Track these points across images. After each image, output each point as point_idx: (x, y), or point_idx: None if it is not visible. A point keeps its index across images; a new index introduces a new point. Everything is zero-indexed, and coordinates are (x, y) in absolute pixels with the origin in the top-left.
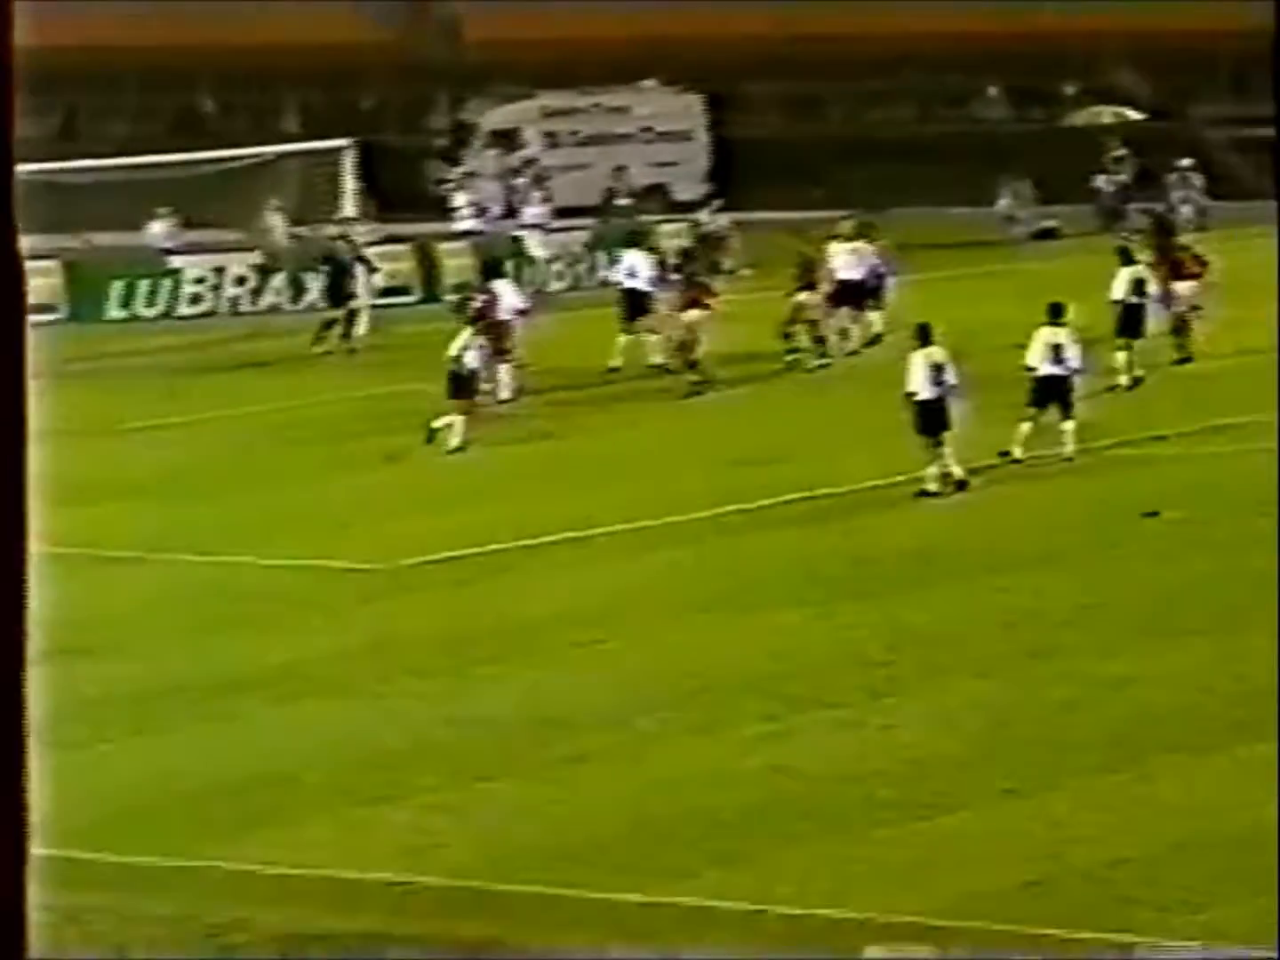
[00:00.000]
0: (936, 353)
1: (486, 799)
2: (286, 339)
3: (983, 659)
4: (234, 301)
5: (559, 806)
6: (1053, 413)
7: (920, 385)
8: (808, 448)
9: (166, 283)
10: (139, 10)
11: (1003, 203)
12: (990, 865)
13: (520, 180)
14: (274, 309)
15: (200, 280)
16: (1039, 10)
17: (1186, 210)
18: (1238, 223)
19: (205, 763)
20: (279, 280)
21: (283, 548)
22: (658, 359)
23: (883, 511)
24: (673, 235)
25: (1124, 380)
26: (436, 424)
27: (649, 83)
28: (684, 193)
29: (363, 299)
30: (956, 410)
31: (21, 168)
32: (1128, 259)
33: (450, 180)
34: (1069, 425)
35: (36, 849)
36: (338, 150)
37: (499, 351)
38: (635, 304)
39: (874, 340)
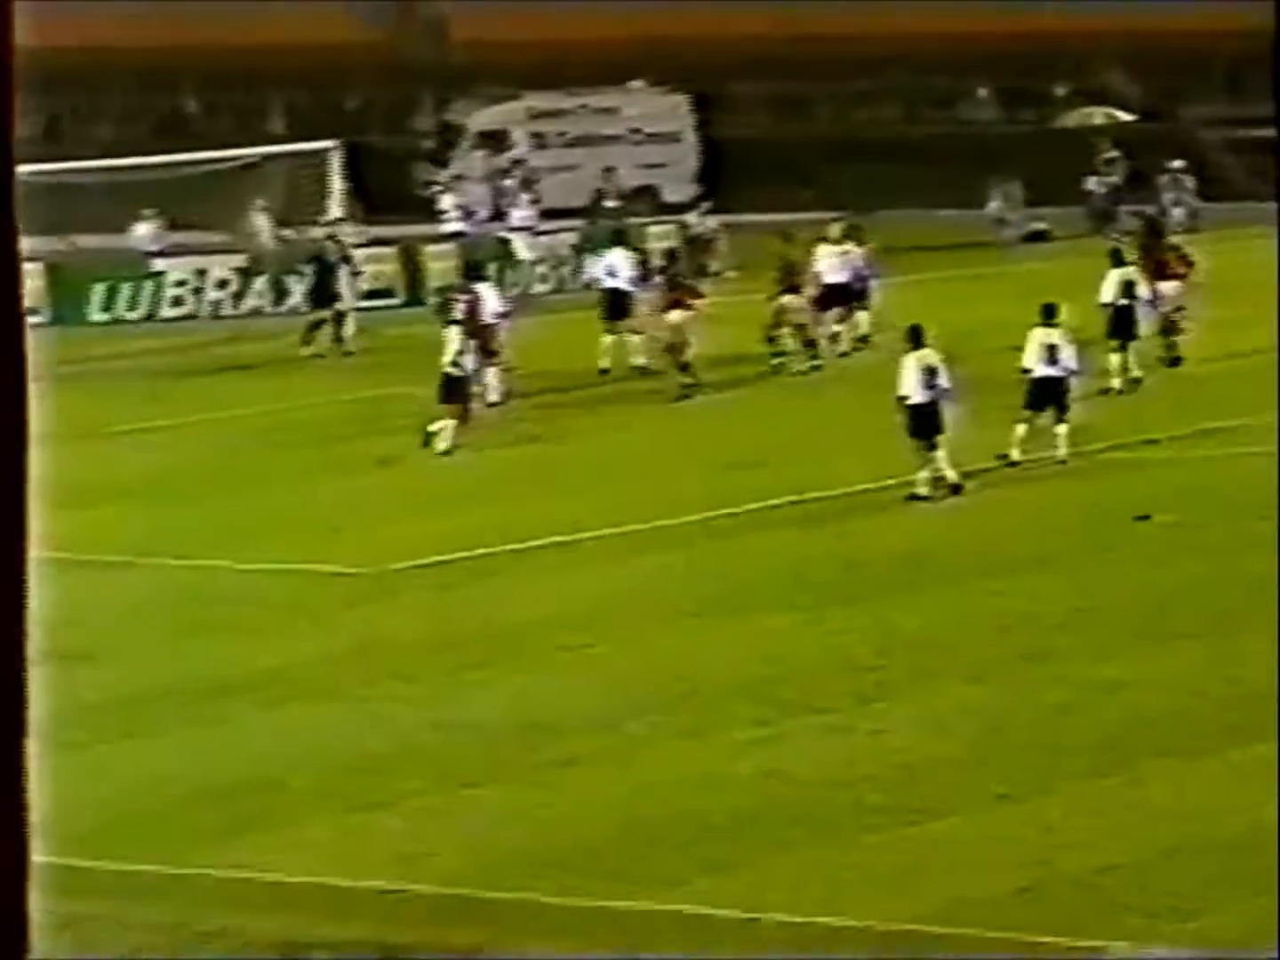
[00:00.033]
0: (929, 356)
1: (474, 805)
2: (270, 342)
3: (974, 663)
4: (215, 305)
5: (547, 812)
6: (1047, 415)
7: (912, 388)
8: (798, 451)
9: (148, 285)
10: (123, 11)
11: (993, 205)
12: (981, 871)
13: (508, 182)
14: (256, 312)
15: (182, 283)
16: (1029, 10)
17: (1178, 212)
18: (1230, 224)
19: (192, 768)
20: (260, 283)
21: (269, 552)
22: (640, 360)
23: (874, 515)
24: (660, 237)
25: (1116, 383)
26: (433, 428)
27: (637, 83)
28: (673, 194)
29: (349, 301)
30: (949, 414)
31: None
32: (1119, 261)
33: (437, 182)
34: (1062, 429)
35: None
36: (323, 152)
37: (486, 354)
38: (616, 303)
39: (861, 341)
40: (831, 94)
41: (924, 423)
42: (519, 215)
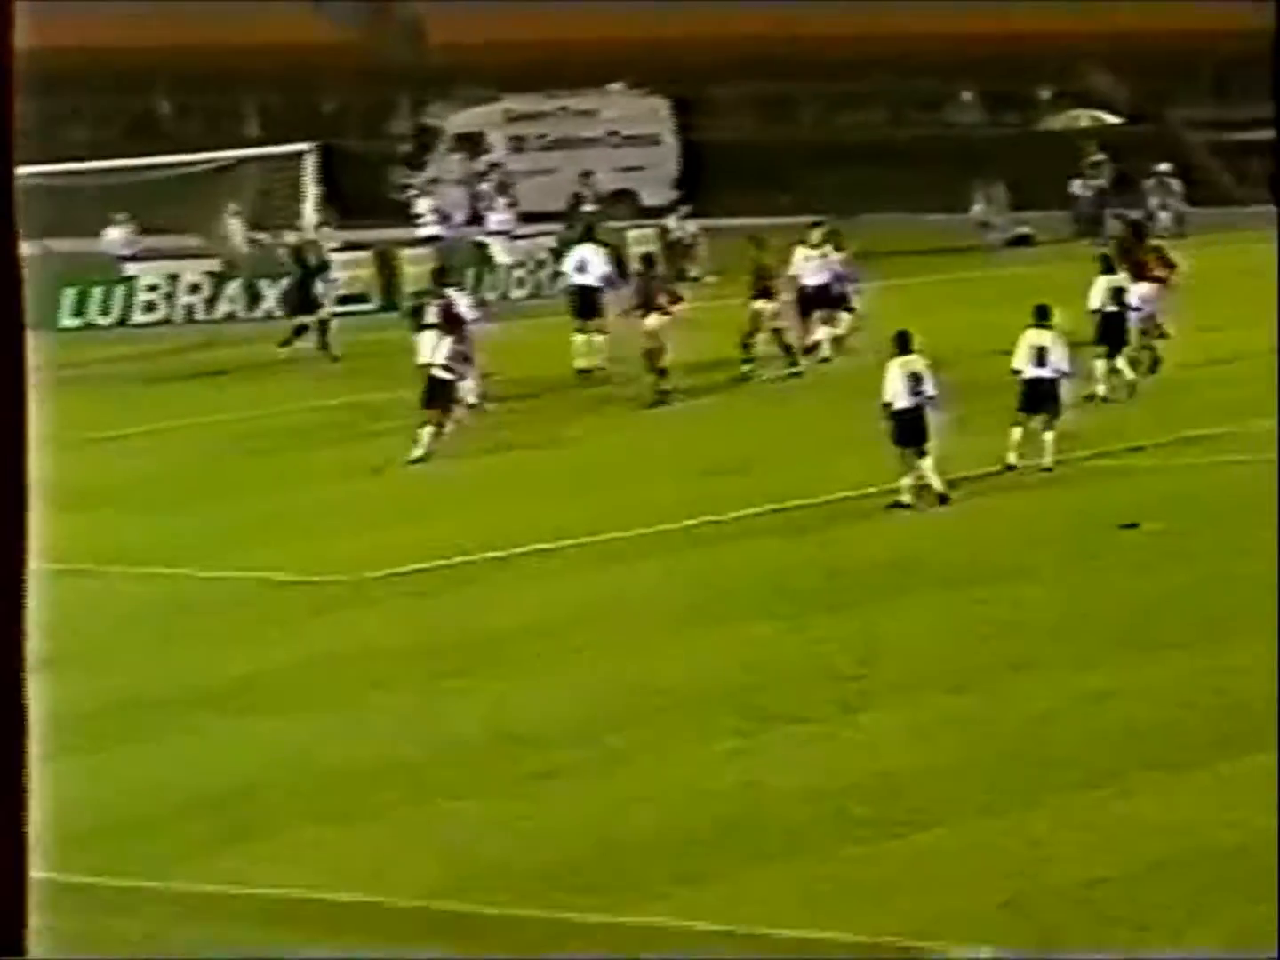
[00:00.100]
0: (915, 362)
1: (452, 817)
2: (243, 347)
3: (959, 673)
4: (189, 310)
5: (526, 824)
6: (1037, 420)
7: (897, 395)
8: (779, 458)
9: (120, 290)
10: (94, 12)
11: (977, 208)
12: (966, 884)
13: (485, 185)
14: (229, 317)
15: (154, 288)
16: (1014, 12)
17: (1165, 216)
18: (1218, 229)
19: (166, 780)
20: (234, 288)
21: (244, 560)
22: (600, 362)
23: (857, 523)
24: (639, 241)
25: (1101, 390)
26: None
27: (616, 86)
28: (652, 198)
29: (329, 305)
30: (934, 421)
31: None
32: (1108, 267)
33: (413, 185)
34: (1049, 436)
35: None
36: (298, 154)
37: (463, 359)
38: (587, 301)
39: (835, 342)
40: (813, 97)
41: (908, 429)
42: (496, 219)
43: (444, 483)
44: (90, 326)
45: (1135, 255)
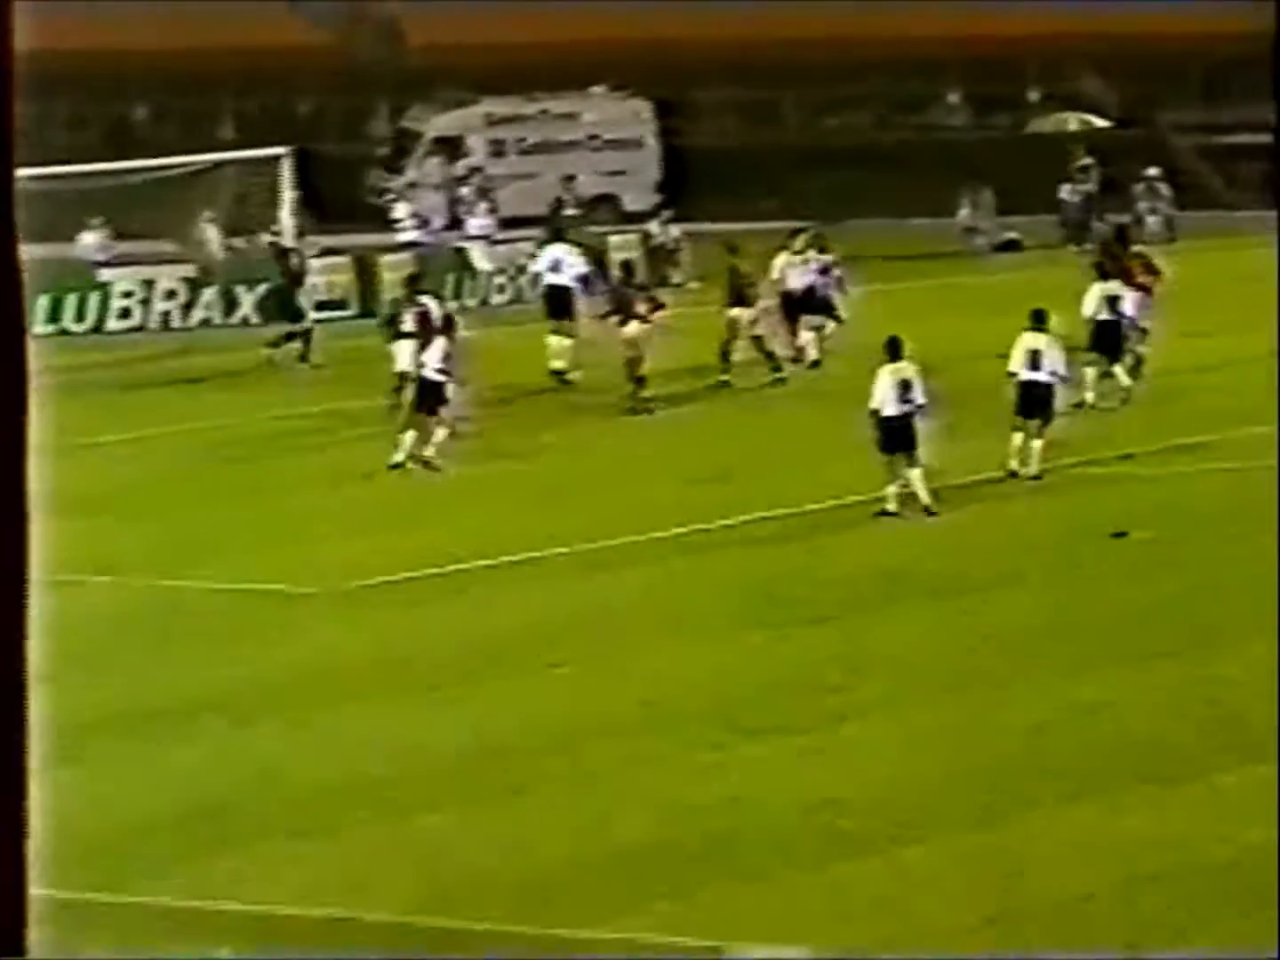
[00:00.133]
0: (906, 369)
1: (432, 830)
2: (220, 354)
3: (947, 684)
4: (164, 316)
5: (507, 837)
6: (1029, 425)
7: (885, 401)
8: (764, 466)
9: (95, 297)
10: (67, 15)
11: (963, 213)
12: (954, 898)
13: (464, 190)
14: (205, 323)
15: (129, 294)
16: (1001, 14)
17: (1154, 221)
18: (1208, 234)
19: (140, 793)
20: (210, 294)
21: (223, 570)
22: (563, 365)
23: (843, 532)
24: (621, 247)
25: (1090, 397)
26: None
27: (598, 89)
28: (634, 203)
29: (309, 313)
30: (922, 429)
31: None
32: (1102, 274)
33: (392, 190)
34: (1037, 444)
35: None
36: (275, 158)
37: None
38: (560, 301)
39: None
40: (798, 100)
41: (895, 437)
42: (476, 224)
43: (425, 491)
44: (64, 333)
45: (1120, 261)
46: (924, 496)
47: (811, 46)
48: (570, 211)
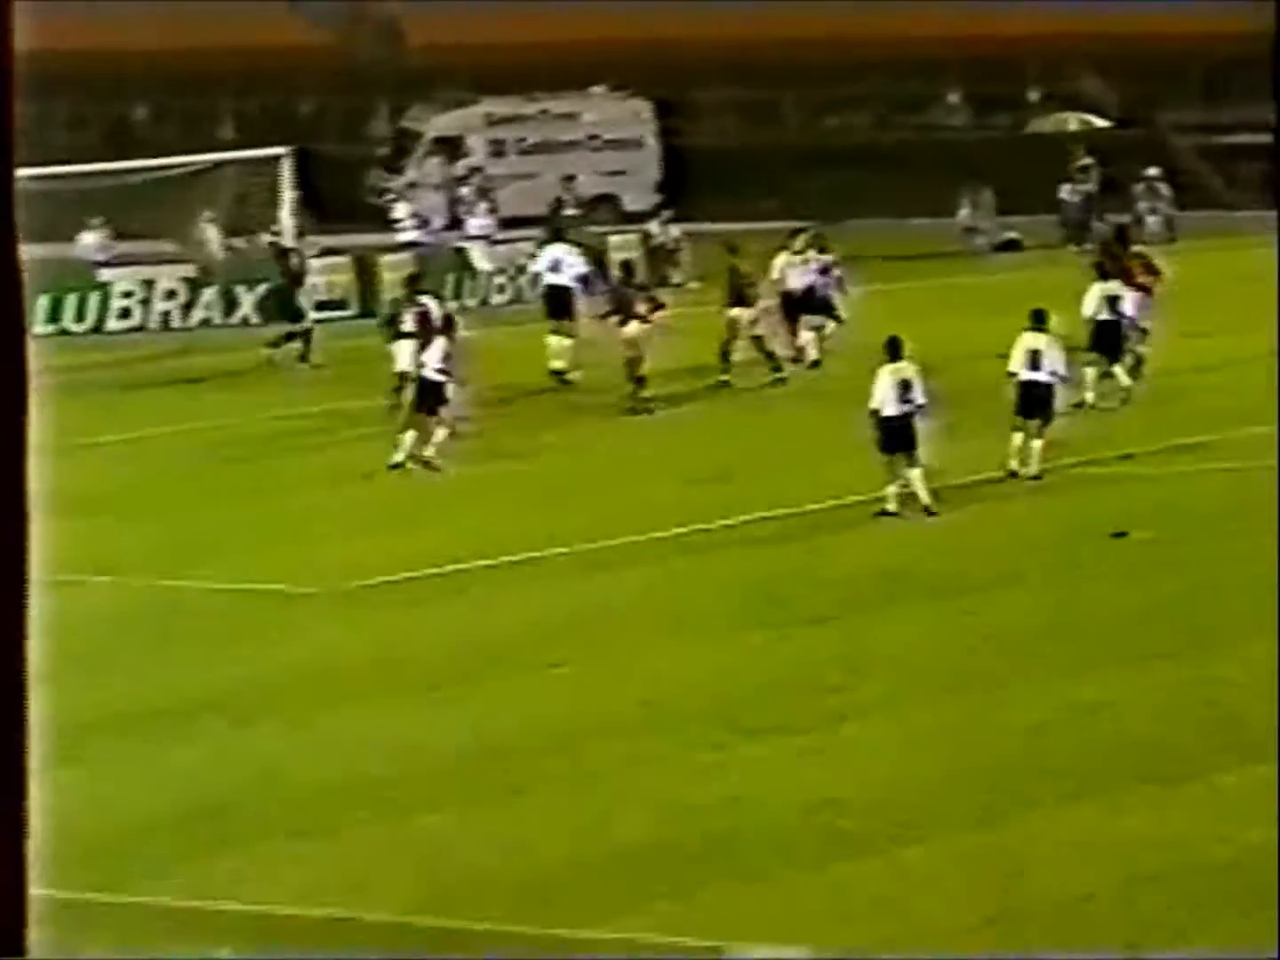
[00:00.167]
0: (906, 369)
1: (432, 830)
2: (220, 354)
3: (947, 684)
4: (164, 316)
5: (507, 837)
6: (1029, 425)
7: (885, 401)
8: (764, 466)
9: (95, 297)
10: (67, 15)
11: (963, 213)
12: (954, 899)
13: (464, 190)
14: (205, 323)
15: (129, 294)
16: (1001, 14)
17: (1154, 221)
18: (1208, 234)
19: (140, 793)
20: (210, 294)
21: (223, 571)
22: (563, 365)
23: (843, 532)
24: (621, 247)
25: (1089, 397)
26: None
27: (598, 89)
28: (634, 203)
29: (310, 313)
30: (922, 429)
31: None
32: (1103, 274)
33: (392, 190)
34: (1037, 444)
35: None
36: (275, 158)
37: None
38: (560, 301)
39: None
40: (798, 100)
41: (895, 437)
42: (476, 224)
43: (425, 491)
44: (64, 333)
45: (1120, 261)
46: (924, 496)
47: (811, 46)
48: (570, 211)
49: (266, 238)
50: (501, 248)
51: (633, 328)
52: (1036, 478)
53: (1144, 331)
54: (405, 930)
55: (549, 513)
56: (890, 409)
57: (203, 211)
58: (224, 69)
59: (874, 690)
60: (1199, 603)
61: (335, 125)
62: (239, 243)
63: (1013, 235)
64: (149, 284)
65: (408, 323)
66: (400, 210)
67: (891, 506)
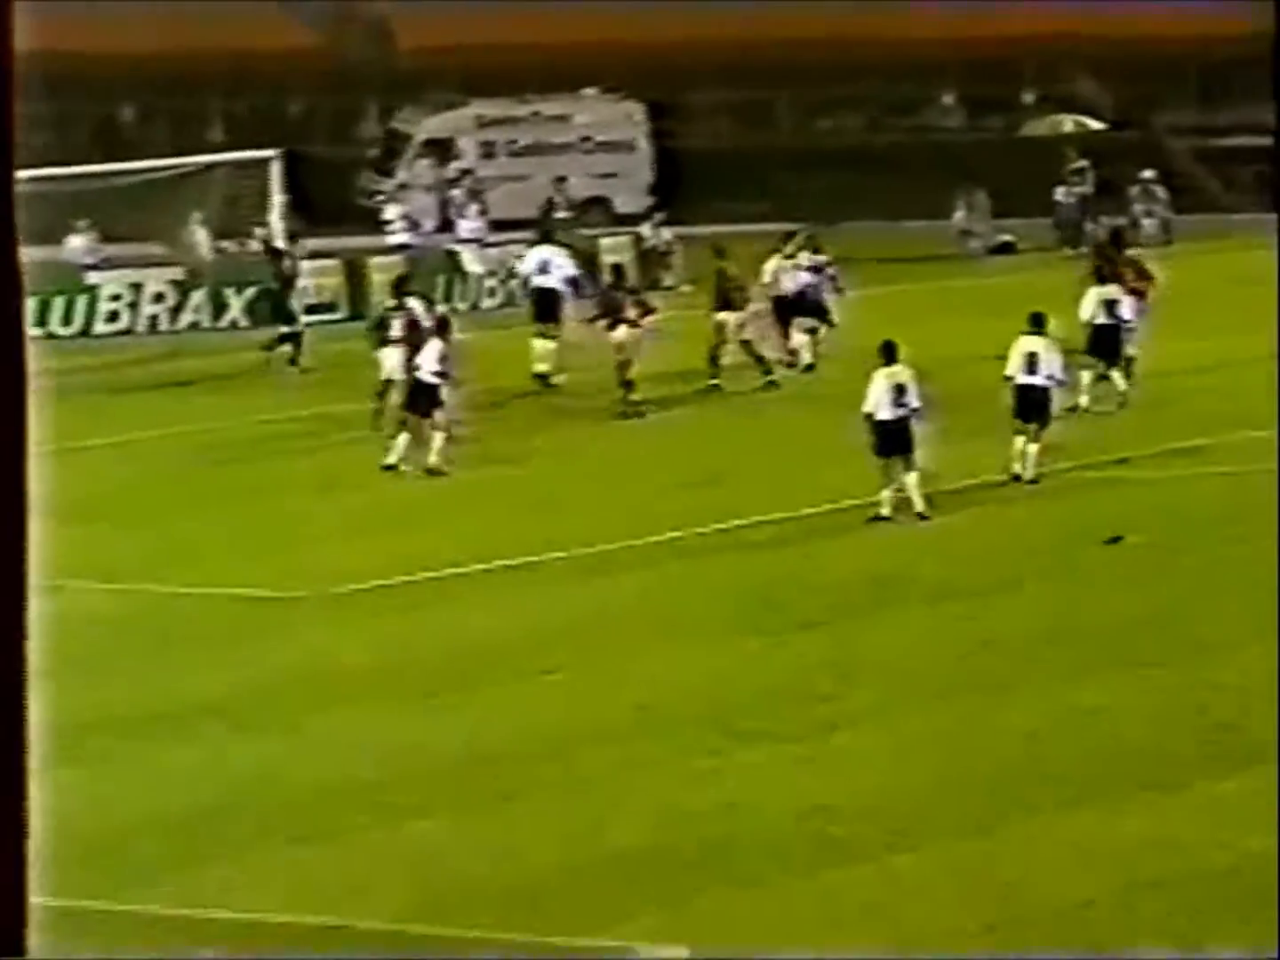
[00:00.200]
0: (901, 372)
1: (425, 836)
2: (209, 358)
3: (941, 690)
4: (153, 320)
5: (499, 844)
6: (1027, 430)
7: (879, 405)
8: (757, 471)
9: (82, 300)
10: (54, 15)
11: (958, 216)
12: (949, 906)
13: (455, 192)
14: (194, 327)
15: (117, 297)
16: (996, 15)
17: (1149, 224)
18: (1204, 237)
19: (131, 800)
20: (198, 297)
21: (213, 575)
22: (546, 368)
23: (837, 536)
24: (612, 249)
25: (1084, 401)
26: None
27: (589, 91)
28: (626, 205)
29: (300, 316)
30: (918, 432)
31: None
32: (1100, 278)
33: (382, 192)
34: (1033, 448)
35: None
36: (264, 160)
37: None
38: (548, 304)
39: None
40: (791, 102)
41: (890, 441)
42: (467, 227)
43: (417, 495)
44: (51, 337)
45: (1114, 265)
46: (917, 502)
47: (805, 48)
48: (562, 214)
49: (258, 240)
50: (492, 250)
51: (622, 332)
52: (1033, 482)
53: (1132, 330)
54: (397, 937)
55: (541, 517)
56: (885, 413)
57: (192, 214)
58: (213, 70)
59: (868, 696)
60: (1197, 608)
61: (325, 127)
62: (228, 245)
63: (1007, 238)
64: (137, 287)
65: (395, 329)
66: (390, 212)
67: (886, 511)
